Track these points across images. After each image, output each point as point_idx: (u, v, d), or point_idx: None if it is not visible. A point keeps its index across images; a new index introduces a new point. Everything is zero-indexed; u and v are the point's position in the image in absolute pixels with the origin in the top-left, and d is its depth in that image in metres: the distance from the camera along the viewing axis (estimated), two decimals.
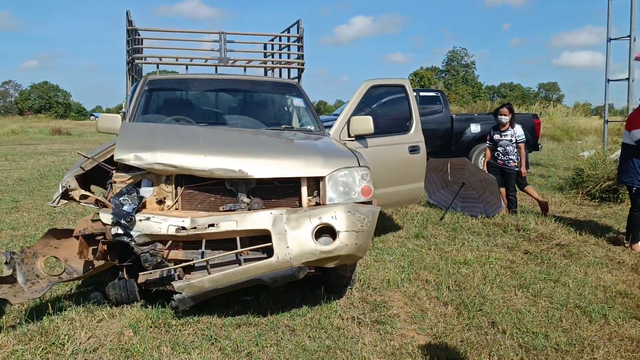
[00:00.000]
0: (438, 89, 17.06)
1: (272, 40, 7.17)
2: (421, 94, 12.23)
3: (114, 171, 3.80)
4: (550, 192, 9.44)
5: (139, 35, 6.17)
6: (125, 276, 3.87)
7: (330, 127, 5.45)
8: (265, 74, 7.49)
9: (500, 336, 3.63)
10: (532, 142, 11.27)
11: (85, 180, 4.19)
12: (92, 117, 69.69)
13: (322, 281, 4.42)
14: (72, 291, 4.41)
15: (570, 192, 9.29)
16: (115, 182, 3.72)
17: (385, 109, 6.25)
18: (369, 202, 3.97)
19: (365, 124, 5.17)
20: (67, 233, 3.95)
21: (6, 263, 3.58)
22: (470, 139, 11.58)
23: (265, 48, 7.31)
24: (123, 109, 7.08)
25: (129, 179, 3.73)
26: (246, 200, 3.82)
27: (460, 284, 4.67)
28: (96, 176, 4.17)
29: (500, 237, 6.41)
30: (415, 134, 5.97)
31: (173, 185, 3.79)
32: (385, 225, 6.99)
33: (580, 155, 13.46)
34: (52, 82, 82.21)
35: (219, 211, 3.79)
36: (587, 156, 11.21)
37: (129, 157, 3.65)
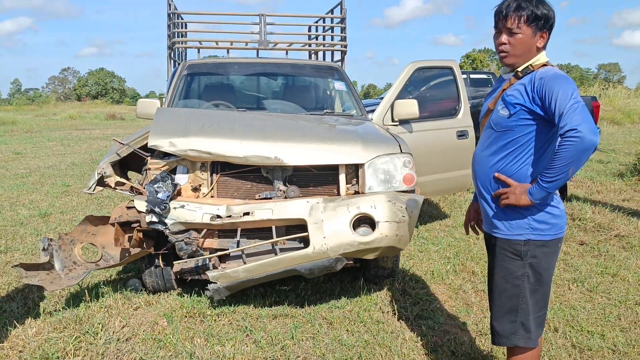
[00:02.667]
0: (490, 71, 16.51)
1: (316, 22, 6.97)
2: (472, 76, 11.87)
3: (148, 158, 3.74)
4: (609, 179, 8.91)
5: (179, 18, 6.11)
6: (162, 264, 3.83)
7: (374, 111, 5.25)
8: (310, 57, 7.32)
9: (551, 335, 3.38)
10: None
11: (123, 166, 4.16)
12: None
13: (362, 272, 4.26)
14: (112, 277, 4.41)
15: (631, 178, 8.74)
16: (149, 168, 3.66)
17: (432, 92, 5.98)
18: (412, 191, 3.77)
19: (410, 107, 4.94)
20: (104, 220, 3.94)
21: (44, 249, 3.58)
22: None
23: (309, 30, 7.13)
24: None
25: (163, 166, 3.66)
26: (282, 188, 3.69)
27: None
28: (133, 162, 4.13)
29: None
30: (464, 118, 5.68)
31: (208, 173, 3.71)
32: (431, 213, 6.75)
33: None
34: (108, 68, 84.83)
35: (255, 199, 3.69)
36: None
37: (162, 143, 3.57)
